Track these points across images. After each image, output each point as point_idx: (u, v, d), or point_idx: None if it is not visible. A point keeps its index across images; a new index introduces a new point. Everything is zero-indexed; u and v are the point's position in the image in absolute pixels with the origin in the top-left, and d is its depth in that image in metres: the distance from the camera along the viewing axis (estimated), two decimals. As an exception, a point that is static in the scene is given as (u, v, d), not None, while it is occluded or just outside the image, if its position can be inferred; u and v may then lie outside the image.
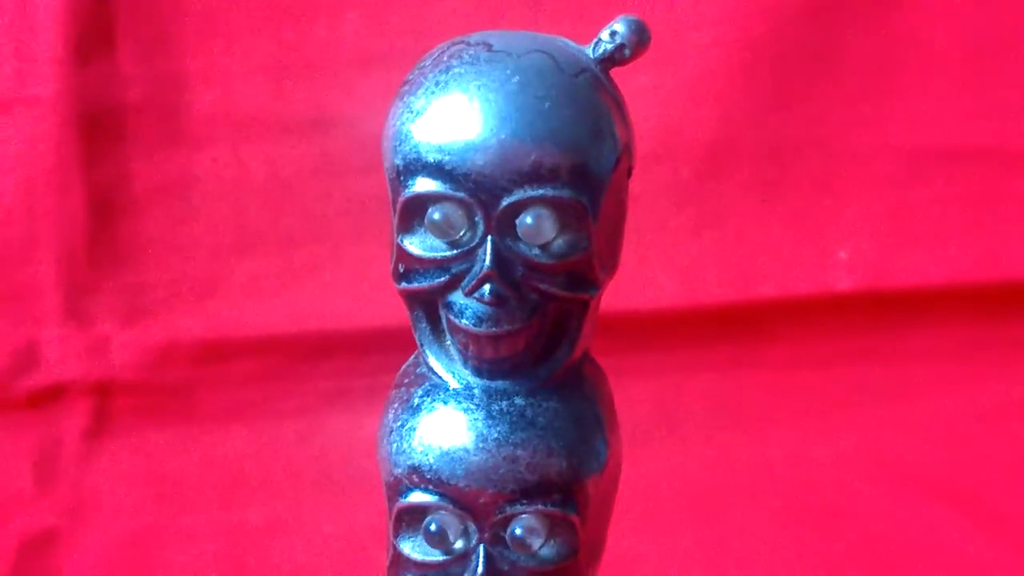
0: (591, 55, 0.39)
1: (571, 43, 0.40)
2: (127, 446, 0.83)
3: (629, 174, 0.40)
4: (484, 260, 0.38)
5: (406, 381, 0.41)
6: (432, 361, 0.40)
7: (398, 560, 0.41)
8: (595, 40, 0.39)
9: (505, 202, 0.37)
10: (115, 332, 0.84)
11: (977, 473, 0.84)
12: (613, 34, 0.39)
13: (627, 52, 0.39)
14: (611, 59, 0.39)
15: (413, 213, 0.38)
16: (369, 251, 0.82)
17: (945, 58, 0.91)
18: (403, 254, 0.39)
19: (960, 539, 0.77)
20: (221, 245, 0.86)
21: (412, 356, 0.41)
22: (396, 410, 0.40)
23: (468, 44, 0.39)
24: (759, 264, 0.89)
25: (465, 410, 0.39)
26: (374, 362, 0.82)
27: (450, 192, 0.37)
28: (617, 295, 0.86)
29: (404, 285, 0.39)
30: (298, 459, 0.82)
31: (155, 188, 0.86)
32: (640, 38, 0.39)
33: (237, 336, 0.84)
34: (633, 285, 0.87)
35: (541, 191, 0.37)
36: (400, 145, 0.38)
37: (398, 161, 0.38)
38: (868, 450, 0.86)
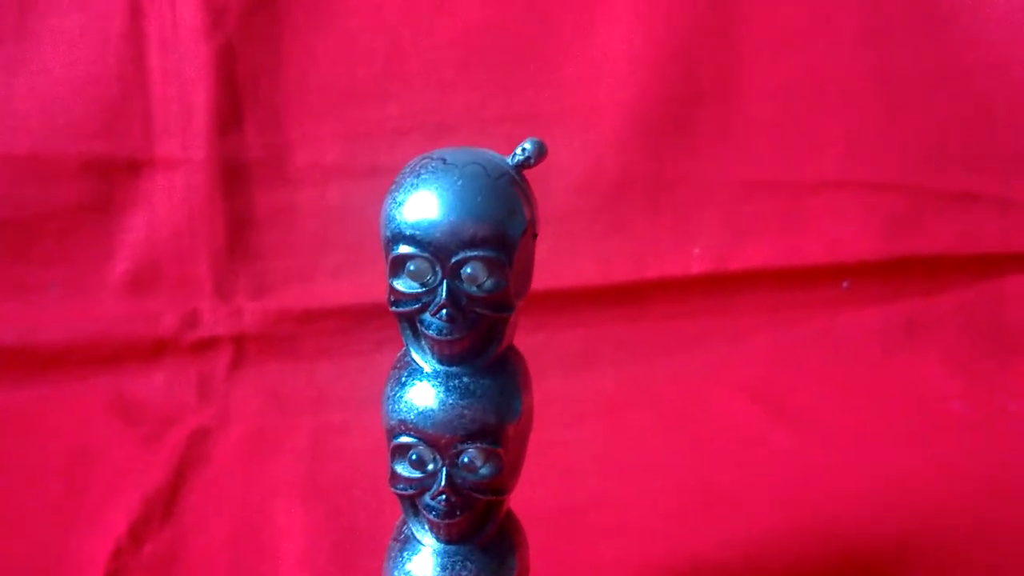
0: (510, 162, 0.39)
1: (496, 156, 0.39)
2: (254, 375, 0.82)
3: (534, 237, 0.40)
4: (441, 294, 0.37)
5: (398, 366, 0.41)
6: (413, 354, 0.40)
7: (394, 476, 0.41)
8: (512, 153, 0.39)
9: (454, 259, 0.37)
10: (246, 303, 0.83)
11: (785, 386, 0.83)
12: (523, 150, 0.39)
13: (532, 161, 0.39)
14: (521, 165, 0.39)
15: (398, 266, 0.38)
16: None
17: (759, 120, 0.89)
18: (393, 290, 0.39)
19: (774, 434, 0.75)
20: (313, 248, 0.85)
21: (401, 351, 0.41)
22: (391, 384, 0.40)
23: (431, 159, 0.38)
24: (646, 256, 0.88)
25: (433, 385, 0.39)
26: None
27: (419, 253, 0.37)
28: (556, 276, 0.86)
29: (395, 309, 0.39)
30: (360, 382, 0.81)
31: (270, 213, 0.85)
32: (540, 152, 0.39)
33: (323, 306, 0.83)
34: (565, 270, 0.86)
35: (476, 252, 0.37)
36: (389, 223, 0.38)
37: (388, 234, 0.38)
38: (716, 373, 0.85)
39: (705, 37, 0.87)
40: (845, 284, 0.90)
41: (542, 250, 0.90)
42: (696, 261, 0.88)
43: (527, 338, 0.84)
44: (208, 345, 0.82)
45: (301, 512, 0.62)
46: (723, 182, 0.89)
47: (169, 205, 0.83)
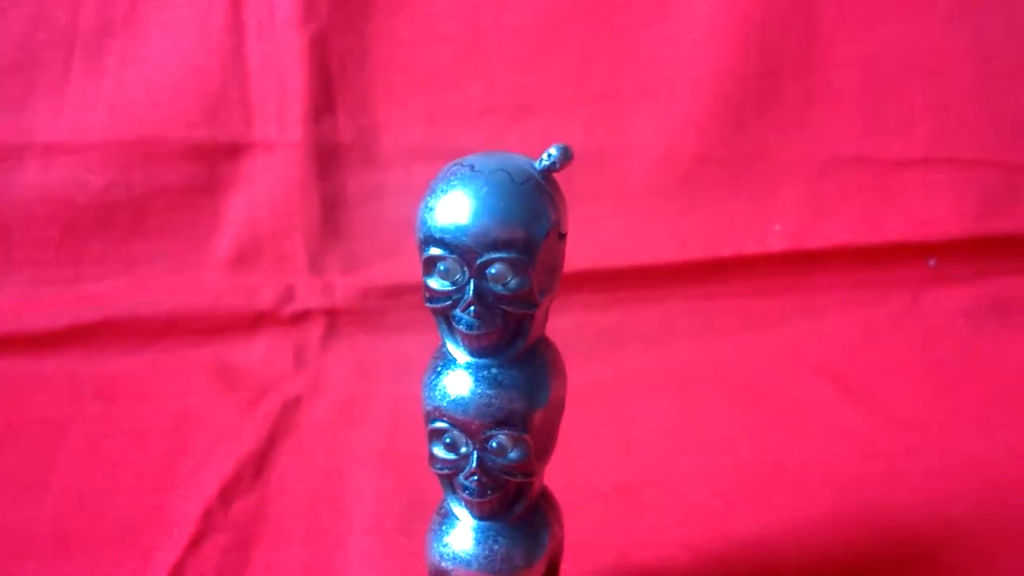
0: (537, 167, 0.41)
1: (524, 160, 0.41)
2: (345, 346, 0.87)
3: (561, 237, 0.42)
4: (469, 293, 0.40)
5: (435, 356, 0.44)
6: (449, 346, 0.43)
7: (432, 457, 0.44)
8: (539, 158, 0.41)
9: (479, 261, 0.40)
10: (337, 279, 0.88)
11: (862, 366, 0.83)
12: (549, 156, 0.41)
13: (557, 166, 0.41)
14: (548, 170, 0.41)
15: (430, 266, 0.41)
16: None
17: (844, 94, 0.88)
18: (427, 288, 0.42)
19: (845, 414, 0.75)
20: (399, 227, 0.89)
21: (440, 345, 0.44)
22: (428, 373, 0.44)
23: (461, 166, 0.41)
24: (723, 232, 0.89)
25: (465, 375, 0.42)
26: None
27: (448, 255, 0.40)
28: (634, 254, 0.88)
29: (430, 305, 0.42)
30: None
31: (360, 193, 0.89)
32: (565, 157, 0.41)
33: (408, 281, 0.87)
34: (643, 247, 0.88)
35: (500, 254, 0.39)
36: (422, 227, 0.41)
37: (421, 236, 0.41)
38: (793, 353, 0.85)
39: (786, 7, 0.87)
40: (932, 262, 0.89)
41: (621, 227, 0.92)
42: (776, 237, 0.88)
43: (604, 315, 0.88)
44: (303, 318, 0.87)
45: (376, 479, 0.67)
46: (804, 159, 0.88)
47: (267, 186, 0.89)
